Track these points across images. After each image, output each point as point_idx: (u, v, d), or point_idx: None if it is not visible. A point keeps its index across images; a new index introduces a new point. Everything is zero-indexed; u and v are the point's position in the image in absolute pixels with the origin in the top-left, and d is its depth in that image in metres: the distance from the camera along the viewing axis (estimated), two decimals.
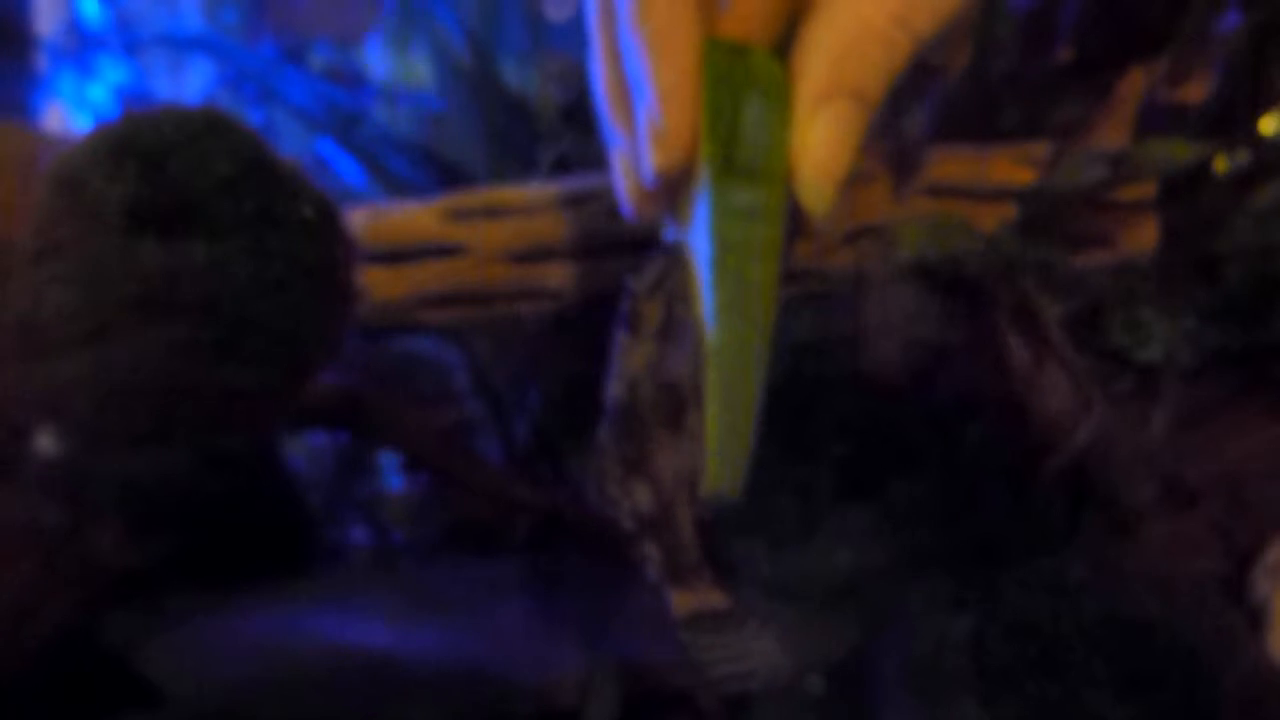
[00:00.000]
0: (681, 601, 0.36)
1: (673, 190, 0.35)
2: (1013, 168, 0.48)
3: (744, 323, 0.33)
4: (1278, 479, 0.48)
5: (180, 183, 0.37)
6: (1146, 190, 0.48)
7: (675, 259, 0.35)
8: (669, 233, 0.37)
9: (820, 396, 0.47)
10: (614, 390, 0.36)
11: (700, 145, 0.34)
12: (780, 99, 0.34)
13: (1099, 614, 0.41)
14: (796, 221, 0.34)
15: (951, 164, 0.48)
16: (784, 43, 0.35)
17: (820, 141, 0.33)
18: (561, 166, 0.48)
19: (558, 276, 0.47)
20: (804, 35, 0.34)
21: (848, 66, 0.33)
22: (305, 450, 0.52)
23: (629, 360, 0.36)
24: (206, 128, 0.37)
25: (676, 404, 0.35)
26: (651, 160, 0.34)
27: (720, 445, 0.33)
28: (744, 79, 0.34)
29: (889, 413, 0.47)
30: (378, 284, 0.45)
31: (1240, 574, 0.46)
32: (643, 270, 0.36)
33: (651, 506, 0.36)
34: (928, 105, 0.47)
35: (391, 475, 0.54)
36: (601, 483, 0.36)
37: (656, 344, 0.35)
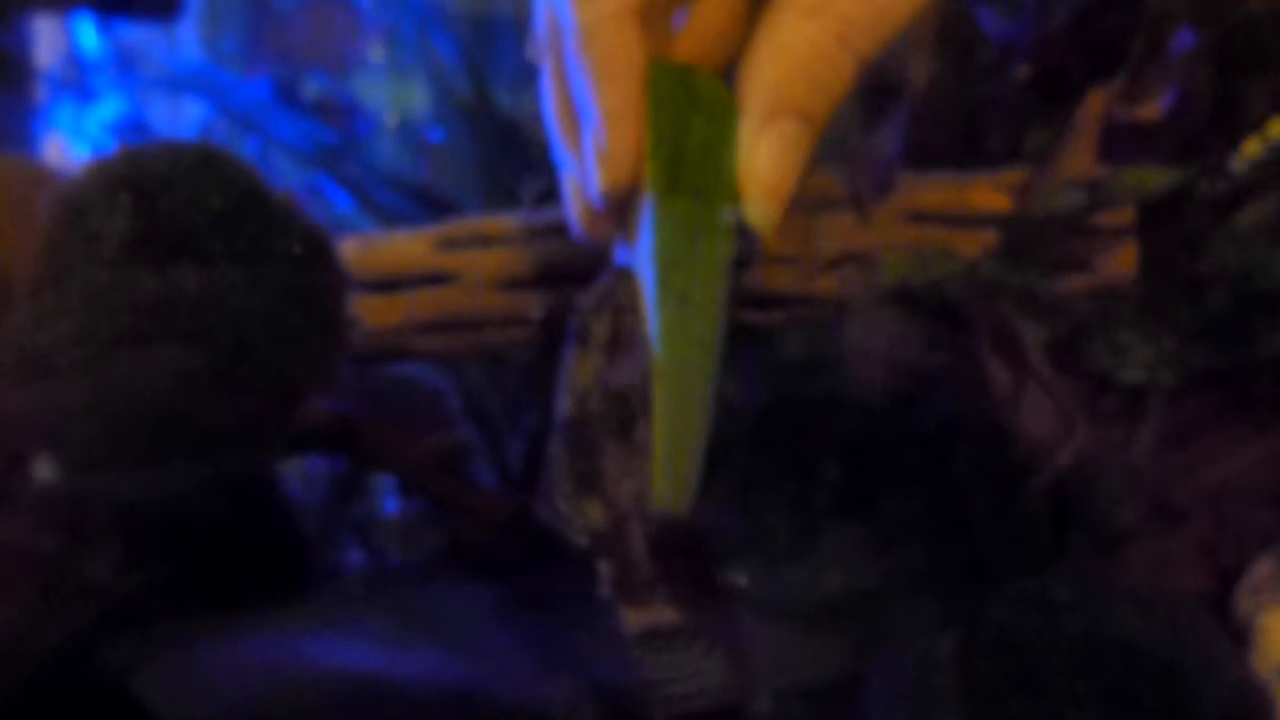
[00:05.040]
0: (634, 619, 0.36)
1: (621, 211, 0.36)
2: (992, 194, 0.48)
3: (690, 342, 0.34)
4: (1261, 498, 0.48)
5: (175, 216, 0.37)
6: (1125, 216, 0.48)
7: (623, 275, 0.36)
8: (619, 253, 0.37)
9: (810, 418, 0.48)
10: (563, 405, 0.36)
11: (645, 167, 0.34)
12: (725, 120, 0.34)
13: (1084, 633, 0.42)
14: (753, 243, 0.34)
15: (932, 191, 0.49)
16: (736, 65, 0.35)
17: (766, 161, 0.34)
18: (545, 200, 0.49)
19: (546, 303, 0.47)
20: (749, 56, 0.34)
21: (793, 87, 0.34)
22: (301, 474, 0.53)
23: (578, 373, 0.36)
24: (201, 162, 0.38)
25: (626, 415, 0.35)
26: (598, 182, 0.35)
27: (668, 463, 0.33)
28: (688, 101, 0.35)
29: (877, 435, 0.47)
30: (370, 312, 0.46)
31: (1224, 593, 0.46)
32: (591, 288, 0.37)
33: (603, 523, 0.36)
34: (895, 126, 0.47)
35: (386, 499, 0.54)
36: (553, 499, 0.36)
37: (604, 355, 0.35)
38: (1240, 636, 0.45)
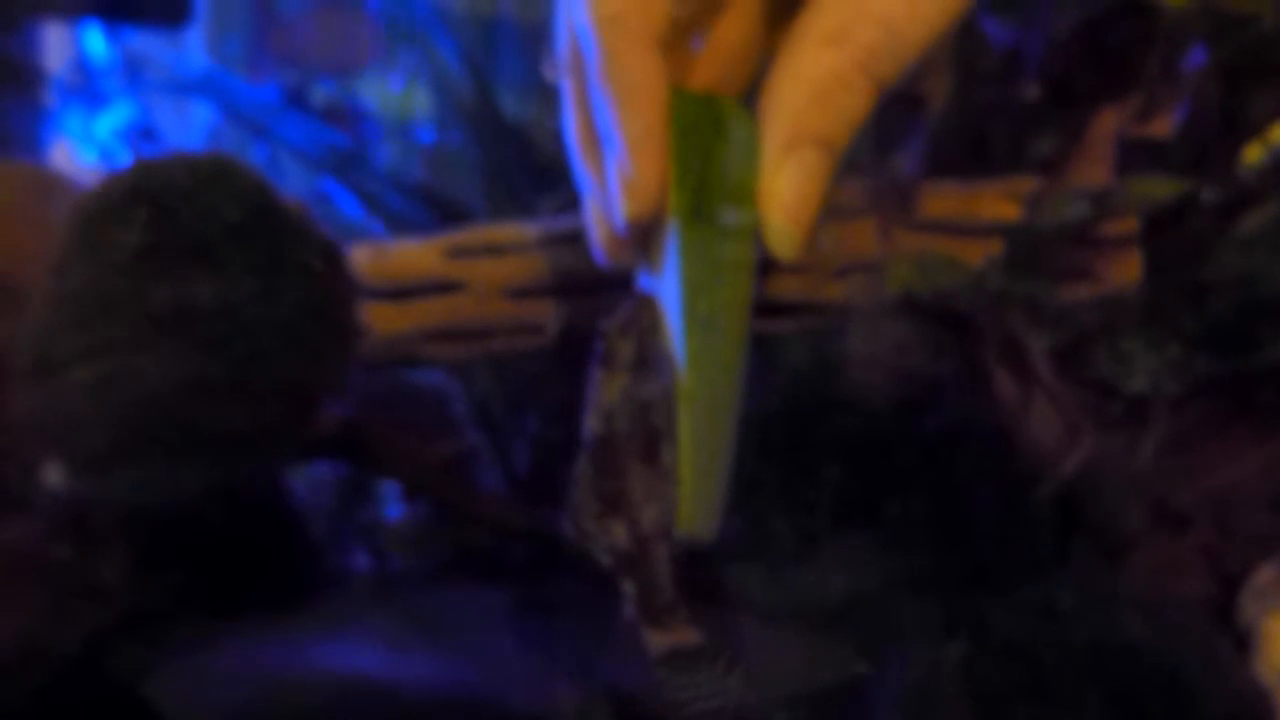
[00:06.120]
0: (657, 639, 0.36)
1: (644, 237, 0.36)
2: (998, 203, 0.48)
3: (715, 367, 0.34)
4: (1264, 504, 0.48)
5: (190, 228, 0.38)
6: (1130, 225, 0.49)
7: (645, 300, 0.36)
8: (642, 276, 0.37)
9: (816, 424, 0.48)
10: (590, 424, 0.36)
11: (669, 194, 0.35)
12: (748, 147, 0.35)
13: (1088, 639, 0.42)
14: (769, 256, 0.35)
15: (938, 199, 0.49)
16: (754, 91, 0.36)
17: (787, 188, 0.34)
18: (560, 213, 0.49)
19: (555, 312, 0.47)
20: (770, 83, 0.35)
21: (813, 114, 0.34)
22: (307, 480, 0.53)
23: (604, 393, 0.36)
24: (215, 174, 0.38)
25: (652, 435, 0.35)
26: (622, 209, 0.35)
27: (694, 487, 0.34)
28: (711, 128, 0.35)
29: (882, 441, 0.47)
30: (380, 319, 0.46)
31: (1228, 598, 0.47)
32: (615, 312, 0.37)
33: (627, 543, 0.36)
34: (914, 142, 0.48)
35: (392, 504, 0.54)
36: (578, 518, 0.36)
37: (630, 375, 0.36)
38: (1243, 642, 0.45)
